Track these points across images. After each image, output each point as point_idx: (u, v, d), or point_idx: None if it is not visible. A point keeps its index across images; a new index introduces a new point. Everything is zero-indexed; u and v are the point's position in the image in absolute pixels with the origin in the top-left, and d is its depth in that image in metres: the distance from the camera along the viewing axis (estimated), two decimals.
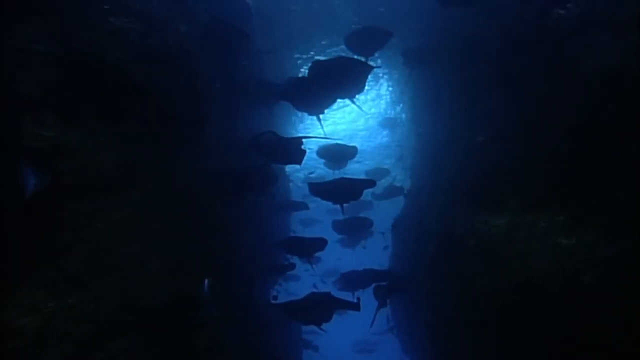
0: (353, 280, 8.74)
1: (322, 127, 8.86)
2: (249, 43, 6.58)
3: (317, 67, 6.42)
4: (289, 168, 14.91)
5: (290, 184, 15.00)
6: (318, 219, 16.46)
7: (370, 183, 7.22)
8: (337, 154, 9.68)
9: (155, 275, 4.54)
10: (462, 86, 6.59)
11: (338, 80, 6.54)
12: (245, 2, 7.13)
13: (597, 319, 3.59)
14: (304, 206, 10.99)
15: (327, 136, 13.29)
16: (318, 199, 7.37)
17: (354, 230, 9.92)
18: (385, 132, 15.24)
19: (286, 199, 12.03)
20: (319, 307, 6.81)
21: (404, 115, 13.43)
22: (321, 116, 7.69)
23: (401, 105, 13.39)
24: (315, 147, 10.57)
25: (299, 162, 7.22)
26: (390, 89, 12.84)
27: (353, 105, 7.84)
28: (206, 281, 4.98)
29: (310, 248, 7.67)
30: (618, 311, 3.45)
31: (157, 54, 5.29)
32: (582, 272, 3.66)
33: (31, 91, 3.96)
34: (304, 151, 7.11)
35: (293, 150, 6.98)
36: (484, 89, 5.81)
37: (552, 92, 4.52)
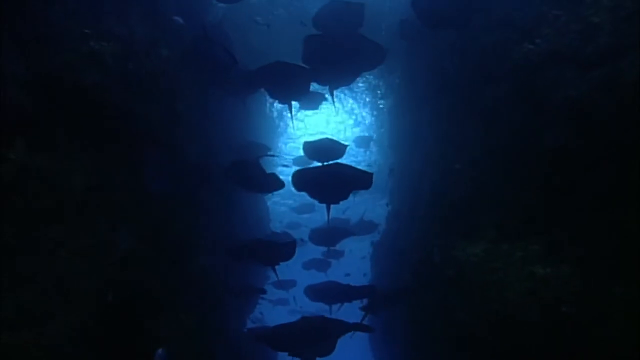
0: (323, 292, 7.56)
1: (292, 118, 8.19)
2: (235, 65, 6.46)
3: (318, 43, 5.35)
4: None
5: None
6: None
7: (367, 176, 5.85)
8: (325, 150, 7.81)
9: (120, 306, 4.33)
10: (439, 114, 6.72)
11: (340, 61, 5.49)
12: (223, 30, 7.13)
13: (575, 350, 3.56)
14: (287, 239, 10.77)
15: (273, 154, 12.90)
16: (304, 226, 6.91)
17: (332, 238, 9.11)
18: (356, 150, 15.00)
19: (270, 231, 11.87)
20: (313, 336, 5.74)
21: (374, 136, 13.46)
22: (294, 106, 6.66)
23: (364, 127, 13.44)
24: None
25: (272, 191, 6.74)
26: (369, 111, 13.05)
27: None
28: None
29: (275, 254, 6.22)
30: (594, 341, 3.44)
31: (136, 78, 5.25)
32: (558, 302, 3.65)
33: (3, 114, 3.84)
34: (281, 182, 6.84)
35: (267, 179, 6.63)
36: (460, 118, 5.93)
37: (525, 123, 4.64)
